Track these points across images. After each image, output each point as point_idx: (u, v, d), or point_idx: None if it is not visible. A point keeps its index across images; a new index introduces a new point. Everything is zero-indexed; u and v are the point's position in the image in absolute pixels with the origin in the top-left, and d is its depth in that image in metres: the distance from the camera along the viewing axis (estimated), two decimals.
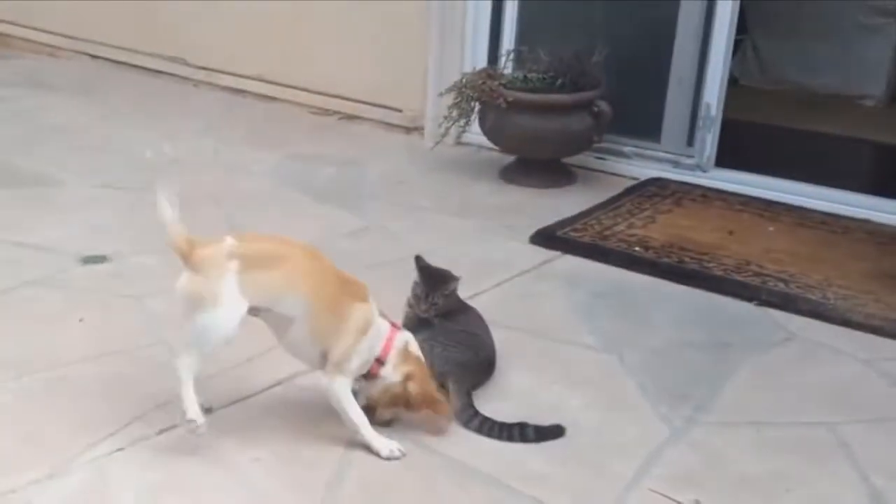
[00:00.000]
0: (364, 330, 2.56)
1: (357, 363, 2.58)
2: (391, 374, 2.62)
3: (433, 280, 2.93)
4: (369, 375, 2.62)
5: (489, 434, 2.68)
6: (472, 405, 2.75)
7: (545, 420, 2.73)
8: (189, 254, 2.46)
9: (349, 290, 2.59)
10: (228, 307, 2.46)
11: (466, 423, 2.71)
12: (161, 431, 2.62)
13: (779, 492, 2.54)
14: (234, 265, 2.45)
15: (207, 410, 2.62)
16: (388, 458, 2.56)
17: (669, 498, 2.47)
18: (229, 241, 2.49)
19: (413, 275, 2.96)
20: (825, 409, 2.93)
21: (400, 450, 2.58)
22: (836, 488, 2.57)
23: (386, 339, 2.62)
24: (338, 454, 2.58)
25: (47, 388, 2.82)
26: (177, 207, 2.46)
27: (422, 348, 2.78)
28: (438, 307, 2.90)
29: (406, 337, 2.67)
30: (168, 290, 3.38)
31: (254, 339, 3.11)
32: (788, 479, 2.59)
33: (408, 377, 2.61)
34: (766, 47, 7.06)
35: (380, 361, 2.61)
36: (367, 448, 2.58)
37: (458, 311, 2.99)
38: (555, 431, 2.69)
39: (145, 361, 2.99)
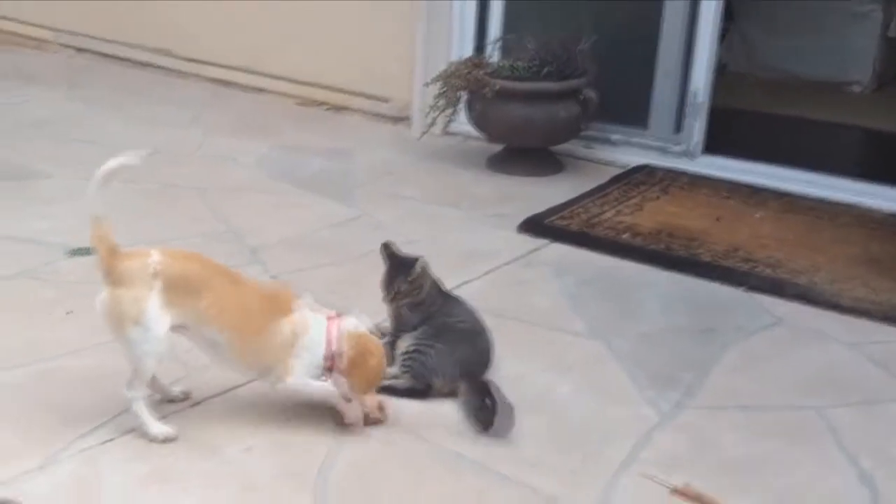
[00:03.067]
0: (292, 342, 2.53)
1: (300, 369, 2.56)
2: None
3: (396, 266, 2.88)
4: (332, 373, 2.59)
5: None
6: (480, 405, 2.71)
7: (534, 406, 2.74)
8: (112, 265, 2.44)
9: (272, 307, 2.55)
10: (151, 328, 2.43)
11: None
12: None
13: (767, 475, 2.55)
14: (157, 284, 2.43)
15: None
16: (352, 424, 2.59)
17: (660, 482, 2.48)
18: (154, 258, 2.46)
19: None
20: (813, 392, 2.95)
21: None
22: (824, 471, 2.58)
23: (327, 336, 2.56)
24: (328, 441, 2.58)
25: (36, 380, 2.82)
26: (106, 214, 2.44)
27: (424, 352, 2.78)
28: (402, 294, 2.85)
29: (348, 323, 2.59)
30: None
31: None
32: (777, 462, 2.61)
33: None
34: (753, 34, 7.08)
35: (329, 357, 2.57)
36: (338, 416, 2.62)
37: (452, 306, 2.96)
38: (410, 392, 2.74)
39: None
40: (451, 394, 2.79)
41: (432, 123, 4.93)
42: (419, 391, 2.79)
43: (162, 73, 6.49)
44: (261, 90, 6.12)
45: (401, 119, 5.62)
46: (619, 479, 2.50)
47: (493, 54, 5.06)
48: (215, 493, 2.37)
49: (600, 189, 4.61)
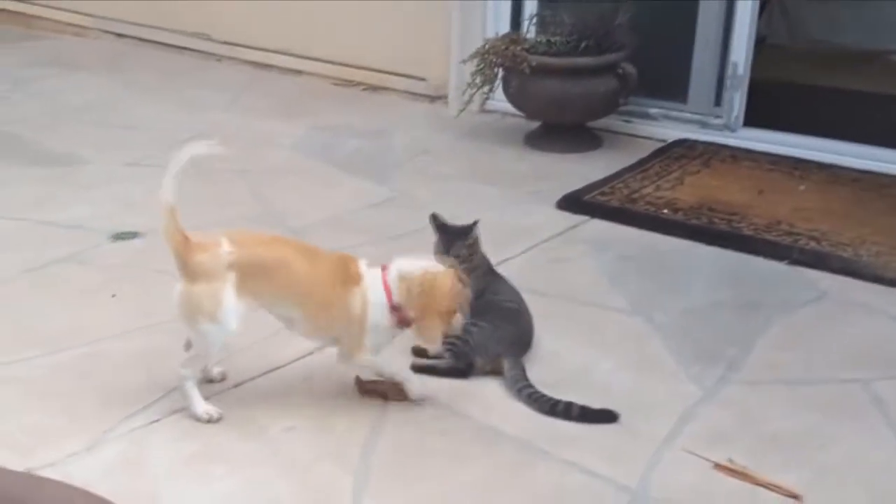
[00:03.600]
0: (365, 312, 2.53)
1: (372, 341, 2.57)
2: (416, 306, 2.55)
3: (451, 234, 2.89)
4: (406, 325, 2.58)
5: (536, 406, 2.66)
6: (524, 377, 2.74)
7: (575, 383, 2.74)
8: (186, 257, 2.46)
9: (343, 277, 2.54)
10: (228, 318, 2.47)
11: (518, 393, 2.70)
12: None
13: (811, 449, 2.53)
14: (231, 276, 2.45)
15: (221, 379, 2.73)
16: (419, 400, 2.62)
17: (702, 457, 2.47)
18: (226, 249, 2.47)
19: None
20: (858, 366, 2.91)
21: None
22: (868, 445, 2.55)
23: (385, 291, 2.54)
24: (370, 420, 2.60)
25: (82, 362, 2.86)
26: (175, 204, 2.46)
27: (468, 330, 2.78)
28: (462, 259, 2.86)
29: (395, 269, 2.55)
30: None
31: None
32: (821, 436, 2.58)
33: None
34: (793, 5, 6.95)
35: (396, 308, 2.54)
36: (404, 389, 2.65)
37: (499, 284, 2.97)
38: (603, 415, 2.62)
39: (178, 334, 2.99)
40: (492, 372, 2.80)
41: (469, 101, 4.91)
42: (460, 370, 2.80)
43: (200, 57, 6.52)
44: (298, 72, 6.13)
45: (438, 98, 5.60)
46: (662, 454, 2.49)
47: (530, 30, 5.02)
48: (259, 473, 2.40)
49: (640, 164, 4.57)
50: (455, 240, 2.89)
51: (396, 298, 2.53)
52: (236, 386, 2.75)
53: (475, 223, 2.92)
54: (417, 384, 2.66)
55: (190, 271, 2.46)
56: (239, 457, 2.46)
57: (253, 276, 2.48)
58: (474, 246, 2.91)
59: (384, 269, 2.58)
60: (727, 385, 2.81)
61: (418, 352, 2.85)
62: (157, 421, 2.58)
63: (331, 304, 2.54)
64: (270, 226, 3.85)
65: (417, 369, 2.80)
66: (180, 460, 2.44)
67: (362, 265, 2.58)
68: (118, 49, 6.79)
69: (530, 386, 2.71)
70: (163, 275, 3.37)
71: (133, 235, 3.72)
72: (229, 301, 2.46)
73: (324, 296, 2.54)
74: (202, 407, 2.57)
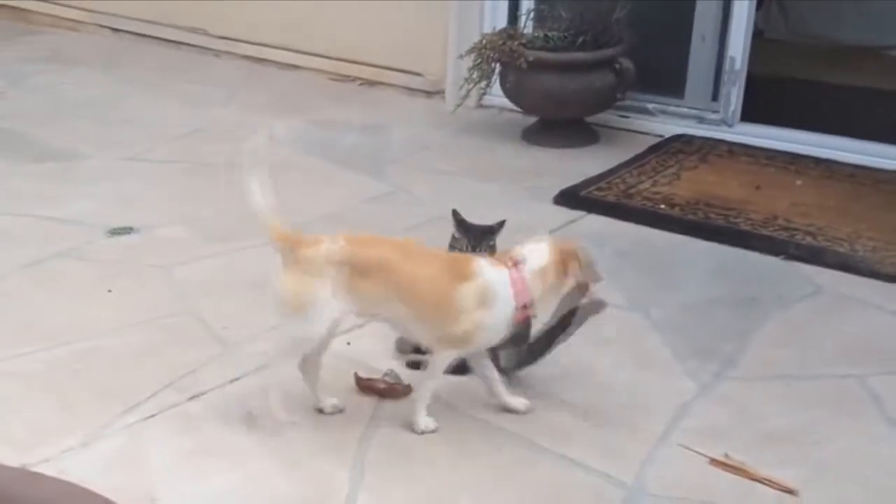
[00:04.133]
0: (477, 306, 2.42)
1: (482, 338, 2.48)
2: (551, 294, 2.50)
3: (477, 232, 2.83)
4: (526, 322, 2.51)
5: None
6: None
7: (573, 379, 2.74)
8: (290, 251, 2.41)
9: (453, 274, 2.45)
10: (319, 316, 2.42)
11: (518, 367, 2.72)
12: (192, 398, 2.66)
13: (807, 444, 2.53)
14: (333, 272, 2.40)
15: (333, 412, 2.63)
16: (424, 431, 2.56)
17: (699, 452, 2.47)
18: (331, 246, 2.43)
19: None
20: (854, 361, 2.92)
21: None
22: (865, 439, 2.56)
23: (513, 286, 2.44)
24: (367, 416, 2.60)
25: (78, 358, 2.86)
26: (269, 194, 2.41)
27: None
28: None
29: (527, 258, 2.46)
30: (194, 259, 3.48)
31: None
32: (817, 431, 2.59)
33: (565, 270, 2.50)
34: (790, 0, 6.94)
35: (525, 307, 2.46)
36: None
37: None
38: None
39: (174, 330, 3.02)
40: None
41: (466, 96, 4.90)
42: (458, 367, 2.80)
43: (197, 52, 6.51)
44: (295, 67, 6.12)
45: (435, 93, 5.59)
46: (659, 450, 2.49)
47: (527, 25, 5.01)
48: (256, 468, 2.40)
49: (637, 159, 4.57)
50: (482, 238, 2.82)
51: (528, 298, 2.45)
52: (233, 381, 2.75)
53: (502, 223, 2.84)
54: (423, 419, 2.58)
55: (292, 263, 2.41)
56: (236, 452, 2.46)
57: (359, 276, 2.41)
58: (494, 248, 2.83)
59: (514, 264, 2.46)
60: (723, 381, 2.82)
61: (412, 364, 2.83)
62: (153, 416, 2.58)
63: (439, 304, 2.45)
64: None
65: (411, 366, 2.81)
66: (178, 455, 2.44)
67: (480, 263, 2.47)
68: (115, 44, 6.77)
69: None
70: (159, 270, 3.41)
71: (129, 231, 3.72)
72: (322, 298, 2.40)
73: (433, 293, 2.46)
74: (326, 402, 2.58)
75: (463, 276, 2.44)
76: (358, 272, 2.41)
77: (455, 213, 2.87)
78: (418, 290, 2.45)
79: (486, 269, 2.45)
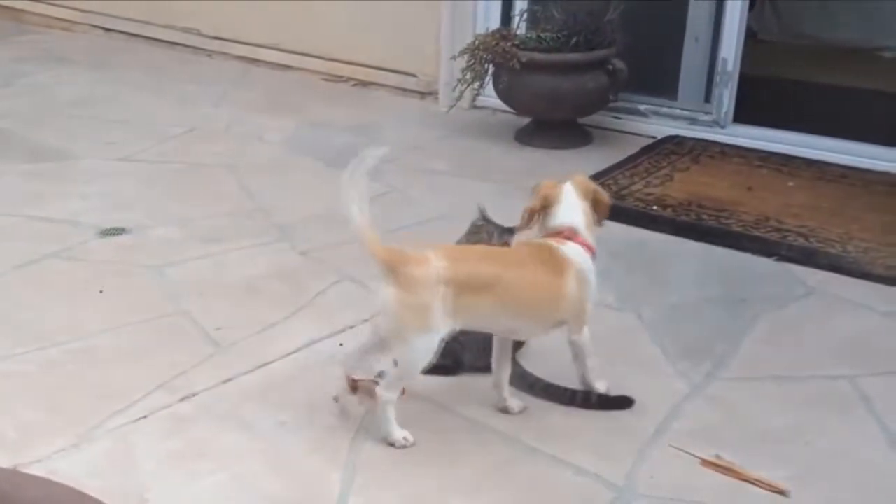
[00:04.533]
0: (579, 287, 2.53)
1: (591, 308, 2.62)
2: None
3: (499, 229, 2.89)
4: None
5: (554, 398, 2.68)
6: (529, 373, 2.74)
7: (564, 379, 2.74)
8: (395, 269, 2.34)
9: (551, 269, 2.50)
10: (434, 336, 2.39)
11: (531, 388, 2.71)
12: (183, 399, 2.66)
13: (798, 445, 2.54)
14: (442, 290, 2.36)
15: (519, 411, 2.65)
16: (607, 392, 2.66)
17: (689, 453, 2.47)
18: (439, 263, 2.37)
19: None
20: (845, 362, 2.93)
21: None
22: (856, 439, 2.57)
23: (587, 252, 2.57)
24: (359, 417, 2.59)
25: (70, 358, 2.86)
26: (367, 211, 2.34)
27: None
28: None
29: (573, 223, 2.58)
30: (186, 259, 3.48)
31: (274, 306, 3.16)
32: (808, 432, 2.59)
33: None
34: (783, 1, 6.96)
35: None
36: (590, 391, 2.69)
37: None
38: (620, 402, 2.67)
39: (166, 331, 3.02)
40: (484, 369, 2.80)
41: (459, 97, 4.91)
42: (446, 367, 2.80)
43: (190, 53, 6.51)
44: (288, 67, 6.12)
45: (428, 93, 5.60)
46: (650, 450, 2.50)
47: (520, 26, 5.02)
48: (247, 468, 2.40)
49: (629, 160, 4.57)
50: (502, 235, 2.86)
51: (595, 250, 2.60)
52: (225, 382, 2.74)
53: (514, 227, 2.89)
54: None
55: (401, 282, 2.34)
56: (227, 452, 2.46)
57: (469, 293, 2.39)
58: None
59: (570, 237, 2.55)
60: (715, 381, 2.82)
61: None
62: (144, 417, 2.57)
63: (553, 300, 2.52)
64: (260, 221, 3.85)
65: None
66: (168, 456, 2.44)
67: (561, 248, 2.53)
68: (108, 44, 6.76)
69: (541, 379, 2.71)
70: (150, 270, 3.41)
71: (120, 231, 3.71)
72: (438, 315, 2.37)
73: (544, 298, 2.52)
74: (400, 433, 2.47)
75: (560, 269, 2.51)
76: (466, 289, 2.39)
77: (480, 206, 2.91)
78: (530, 297, 2.50)
79: (570, 252, 2.53)
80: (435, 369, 2.78)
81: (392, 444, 2.47)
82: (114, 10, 6.87)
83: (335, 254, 3.54)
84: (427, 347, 2.39)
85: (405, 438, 2.48)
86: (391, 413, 2.47)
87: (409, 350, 2.40)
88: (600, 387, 2.68)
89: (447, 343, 2.77)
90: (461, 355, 2.80)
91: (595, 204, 2.65)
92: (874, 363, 2.92)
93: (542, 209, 2.60)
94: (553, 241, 2.55)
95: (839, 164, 4.51)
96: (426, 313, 2.35)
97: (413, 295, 2.34)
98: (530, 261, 2.52)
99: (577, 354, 2.65)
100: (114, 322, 3.05)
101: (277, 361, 2.86)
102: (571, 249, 2.54)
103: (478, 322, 2.49)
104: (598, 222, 2.68)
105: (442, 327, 2.39)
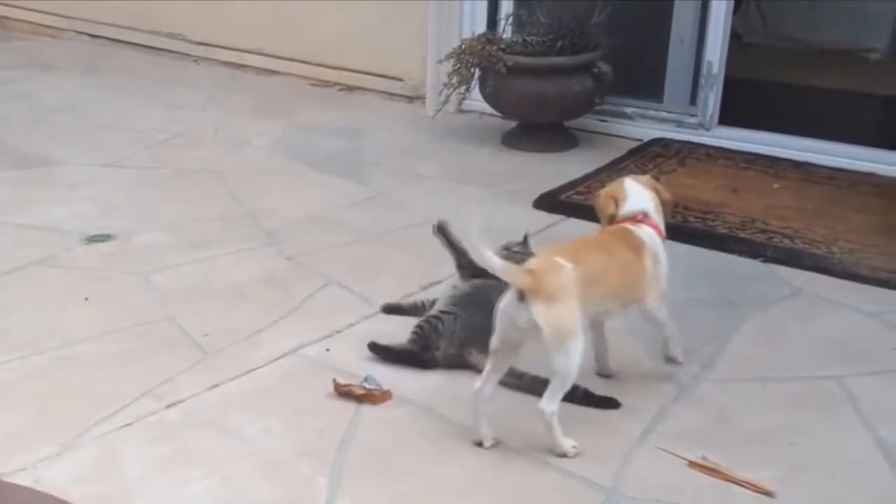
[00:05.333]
0: (657, 266, 2.73)
1: (665, 282, 2.78)
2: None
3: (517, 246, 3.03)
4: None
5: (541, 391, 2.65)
6: (519, 369, 2.74)
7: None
8: (538, 286, 2.37)
9: (635, 250, 2.68)
10: (583, 335, 2.45)
11: (519, 386, 2.71)
12: (169, 405, 2.64)
13: (785, 446, 2.54)
14: (578, 291, 2.44)
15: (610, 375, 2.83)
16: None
17: (676, 455, 2.48)
18: (569, 266, 2.45)
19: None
20: (831, 362, 2.94)
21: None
22: (842, 440, 2.58)
23: (658, 235, 2.76)
24: (345, 422, 2.59)
25: (55, 365, 2.84)
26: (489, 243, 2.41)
27: (442, 318, 2.84)
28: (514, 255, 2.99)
29: (643, 207, 2.78)
30: (173, 265, 3.47)
31: (261, 312, 3.16)
32: (795, 432, 2.60)
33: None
34: (769, 3, 6.99)
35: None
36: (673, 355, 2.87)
37: (481, 284, 2.99)
38: (606, 402, 2.69)
39: (152, 337, 3.00)
40: (458, 364, 2.81)
41: (446, 101, 4.92)
42: (415, 354, 2.81)
43: (176, 58, 6.50)
44: (275, 72, 6.12)
45: (415, 98, 5.60)
46: (637, 452, 2.50)
47: (506, 30, 5.03)
48: (233, 474, 2.39)
49: (616, 163, 4.58)
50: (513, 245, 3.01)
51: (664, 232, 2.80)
52: (211, 388, 2.74)
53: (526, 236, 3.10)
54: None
55: (547, 296, 2.38)
56: (214, 458, 2.45)
57: (591, 287, 2.49)
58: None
59: (642, 220, 2.75)
60: (702, 382, 2.83)
61: (373, 348, 2.88)
62: (129, 424, 2.56)
63: (637, 278, 2.69)
64: (247, 226, 3.84)
65: (373, 348, 2.85)
66: (154, 463, 2.42)
67: (635, 229, 2.73)
68: (93, 50, 6.75)
69: (528, 373, 2.71)
70: (136, 277, 3.40)
71: (107, 238, 3.70)
72: (580, 316, 2.45)
73: (635, 276, 2.69)
74: (568, 442, 2.48)
75: (637, 249, 2.69)
76: (588, 284, 2.48)
77: (526, 234, 3.12)
78: (625, 279, 2.67)
79: (644, 234, 2.73)
80: (402, 354, 2.82)
81: (564, 455, 2.47)
82: (99, 17, 6.86)
83: (322, 258, 3.54)
84: (582, 349, 2.44)
85: (574, 447, 2.48)
86: (556, 423, 2.45)
87: (568, 357, 2.40)
88: (678, 354, 2.89)
89: (425, 329, 2.81)
90: (435, 341, 2.81)
91: (658, 198, 2.84)
92: (860, 363, 2.93)
93: (616, 207, 2.78)
94: (629, 225, 2.74)
95: (825, 166, 4.52)
96: (575, 316, 2.42)
97: (562, 303, 2.40)
98: (619, 245, 2.69)
99: (657, 328, 2.85)
100: (99, 329, 3.03)
101: (264, 367, 2.85)
102: (644, 231, 2.73)
103: (595, 311, 2.61)
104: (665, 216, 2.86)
105: (584, 327, 2.50)
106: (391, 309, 3.17)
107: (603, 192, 2.86)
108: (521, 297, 2.38)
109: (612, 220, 2.77)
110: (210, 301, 3.24)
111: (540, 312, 2.37)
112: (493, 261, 2.38)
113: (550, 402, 2.43)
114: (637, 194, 2.79)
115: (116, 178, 4.35)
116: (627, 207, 2.76)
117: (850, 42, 6.75)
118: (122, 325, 3.06)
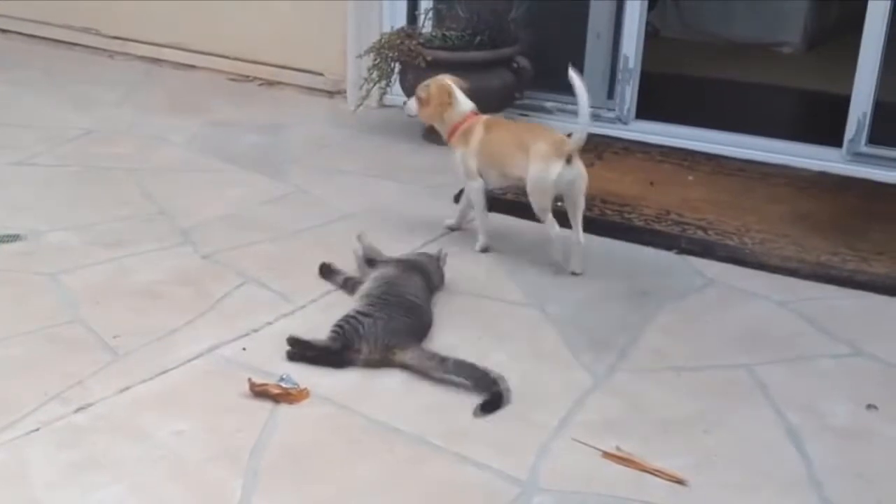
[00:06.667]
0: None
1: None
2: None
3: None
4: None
5: (465, 373, 2.73)
6: (435, 354, 2.79)
7: None
8: (573, 150, 3.40)
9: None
10: None
11: (444, 370, 2.74)
12: (78, 410, 2.58)
13: (698, 434, 2.59)
14: None
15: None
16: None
17: (591, 446, 2.50)
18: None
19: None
20: (743, 351, 3.00)
21: None
22: (753, 427, 2.63)
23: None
24: (261, 422, 2.56)
25: None
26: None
27: (360, 320, 2.84)
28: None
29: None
30: (84, 266, 3.38)
31: (175, 312, 3.10)
32: (707, 421, 2.64)
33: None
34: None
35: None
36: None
37: (409, 277, 3.10)
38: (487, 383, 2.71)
39: (61, 340, 2.93)
40: (380, 363, 2.80)
41: (366, 96, 4.90)
42: (334, 352, 2.79)
43: (90, 53, 6.35)
44: (191, 67, 6.02)
45: (336, 92, 5.57)
46: (552, 444, 2.52)
47: (426, 24, 5.03)
48: (145, 478, 2.35)
49: None
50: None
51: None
52: (122, 391, 2.68)
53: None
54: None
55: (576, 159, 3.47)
56: (124, 463, 2.40)
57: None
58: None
59: (477, 113, 3.71)
60: (617, 373, 2.86)
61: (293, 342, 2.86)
62: (37, 430, 2.49)
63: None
64: (162, 225, 3.77)
65: (292, 342, 2.83)
66: (62, 469, 2.36)
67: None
68: (4, 45, 6.56)
69: (451, 358, 2.75)
70: (45, 278, 3.31)
71: (15, 238, 3.60)
72: None
73: None
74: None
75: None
76: None
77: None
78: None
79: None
80: (320, 350, 2.82)
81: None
82: (10, 11, 6.68)
83: (239, 256, 3.50)
84: None
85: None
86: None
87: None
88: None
89: (345, 329, 2.80)
90: (356, 342, 2.80)
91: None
92: (770, 351, 3.00)
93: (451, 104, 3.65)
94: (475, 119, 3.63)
95: (737, 158, 4.61)
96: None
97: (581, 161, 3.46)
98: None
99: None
100: (5, 332, 2.94)
101: (178, 368, 2.80)
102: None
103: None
104: None
105: None
106: (327, 271, 3.31)
107: (434, 84, 3.71)
108: (569, 160, 3.36)
109: (446, 110, 3.63)
110: (122, 302, 3.17)
111: (582, 167, 3.41)
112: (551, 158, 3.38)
113: (581, 235, 3.46)
114: (463, 97, 3.67)
115: (25, 177, 4.24)
116: (464, 106, 3.65)
117: (764, 36, 6.90)
118: (29, 327, 2.97)
